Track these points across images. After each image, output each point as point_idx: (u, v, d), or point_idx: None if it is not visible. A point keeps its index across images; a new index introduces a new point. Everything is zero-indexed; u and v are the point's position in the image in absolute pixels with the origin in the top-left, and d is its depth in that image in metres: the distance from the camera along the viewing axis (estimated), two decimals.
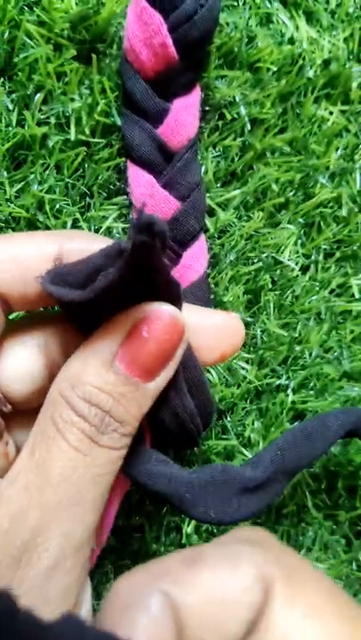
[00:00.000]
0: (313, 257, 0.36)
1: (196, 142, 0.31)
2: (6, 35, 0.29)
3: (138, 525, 0.35)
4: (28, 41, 0.30)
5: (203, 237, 0.32)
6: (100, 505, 0.21)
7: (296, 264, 0.35)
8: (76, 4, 0.30)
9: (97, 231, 0.32)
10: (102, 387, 0.20)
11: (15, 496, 0.20)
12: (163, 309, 0.21)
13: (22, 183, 0.31)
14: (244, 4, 0.33)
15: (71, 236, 0.23)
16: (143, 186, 0.30)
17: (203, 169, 0.33)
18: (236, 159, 0.34)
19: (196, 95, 0.31)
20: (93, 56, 0.30)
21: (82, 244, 0.22)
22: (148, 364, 0.20)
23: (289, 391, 0.35)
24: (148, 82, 0.29)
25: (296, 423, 0.36)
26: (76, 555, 0.20)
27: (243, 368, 0.35)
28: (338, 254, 0.36)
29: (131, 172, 0.31)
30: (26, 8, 0.30)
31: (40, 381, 0.23)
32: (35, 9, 0.30)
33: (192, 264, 0.31)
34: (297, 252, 0.35)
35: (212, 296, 0.34)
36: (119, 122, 0.31)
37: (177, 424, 0.24)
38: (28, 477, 0.20)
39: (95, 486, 0.20)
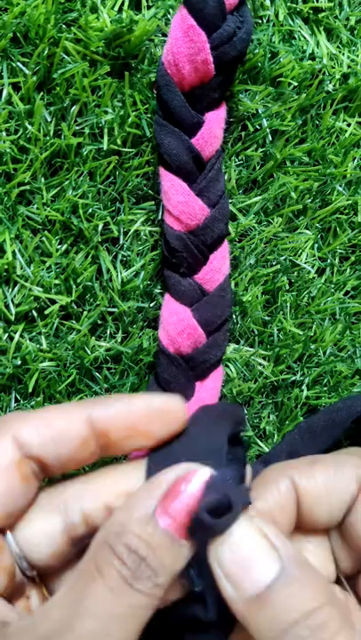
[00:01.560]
0: (329, 260, 0.38)
1: (222, 153, 0.34)
2: (46, 52, 0.32)
3: None
4: (66, 57, 0.32)
5: (226, 241, 0.34)
6: None
7: (312, 267, 0.37)
8: (111, 23, 0.32)
9: (125, 234, 0.35)
10: (141, 536, 0.22)
11: (43, 629, 0.22)
12: (201, 469, 0.23)
13: (58, 188, 0.34)
14: (268, 21, 0.35)
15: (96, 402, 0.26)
16: (180, 194, 0.32)
17: (226, 177, 0.35)
18: (257, 168, 0.36)
19: (223, 110, 0.33)
20: (126, 73, 0.32)
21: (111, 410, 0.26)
22: (183, 519, 0.22)
23: (304, 387, 0.37)
24: (184, 95, 0.31)
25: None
26: None
27: (260, 364, 0.37)
28: (353, 258, 0.38)
29: (166, 180, 0.33)
30: (64, 27, 0.32)
31: (59, 544, 0.25)
32: (72, 28, 0.32)
33: (220, 267, 0.34)
34: (313, 256, 0.37)
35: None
36: (149, 133, 0.34)
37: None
38: (60, 612, 0.22)
39: (123, 625, 0.22)
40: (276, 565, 0.22)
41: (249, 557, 0.22)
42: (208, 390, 0.34)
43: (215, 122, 0.32)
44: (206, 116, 0.32)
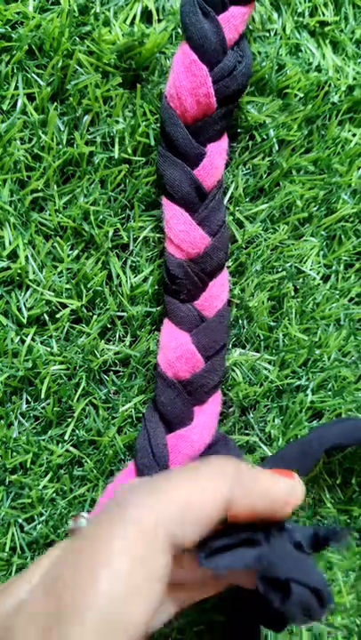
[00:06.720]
0: (334, 267, 0.38)
1: (223, 183, 0.34)
2: (60, 63, 0.33)
3: None
4: (79, 69, 0.33)
5: (225, 269, 0.35)
6: None
7: (318, 274, 0.38)
8: (123, 36, 0.33)
9: (135, 240, 0.36)
10: None
11: None
12: None
13: (70, 196, 0.35)
14: (275, 34, 0.36)
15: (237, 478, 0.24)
16: (182, 223, 0.33)
17: (233, 185, 0.36)
18: (264, 176, 0.37)
19: (225, 141, 0.34)
20: (138, 85, 0.33)
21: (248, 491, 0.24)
22: None
23: (308, 391, 0.38)
24: (187, 127, 0.32)
25: (314, 422, 0.38)
26: None
27: (265, 368, 0.37)
28: (357, 265, 0.39)
29: (168, 210, 0.33)
30: (78, 39, 0.33)
31: None
32: (86, 40, 0.33)
33: (219, 294, 0.34)
34: (319, 263, 0.38)
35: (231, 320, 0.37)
36: None
37: None
38: None
39: None
40: None
41: None
42: (207, 415, 0.34)
43: (217, 153, 0.33)
44: (208, 148, 0.33)
